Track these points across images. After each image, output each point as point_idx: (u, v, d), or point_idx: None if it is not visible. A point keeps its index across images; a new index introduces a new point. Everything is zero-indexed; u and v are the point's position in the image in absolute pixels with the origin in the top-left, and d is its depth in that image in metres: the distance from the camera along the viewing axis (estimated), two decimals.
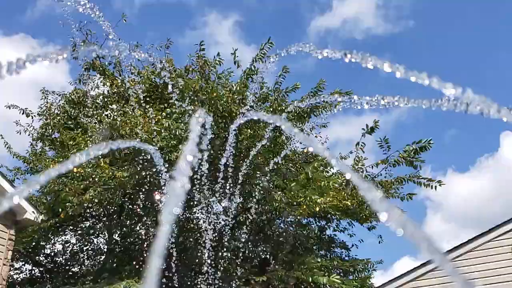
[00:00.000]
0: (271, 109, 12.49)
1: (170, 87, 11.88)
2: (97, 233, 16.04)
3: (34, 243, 14.90)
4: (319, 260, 13.87)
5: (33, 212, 10.71)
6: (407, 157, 12.22)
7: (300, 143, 14.25)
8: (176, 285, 8.77)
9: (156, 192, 11.51)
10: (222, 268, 9.66)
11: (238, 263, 11.93)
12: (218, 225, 12.39)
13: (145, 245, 12.81)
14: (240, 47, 28.57)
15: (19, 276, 16.26)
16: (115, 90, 13.85)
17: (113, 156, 12.03)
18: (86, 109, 13.76)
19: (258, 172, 12.14)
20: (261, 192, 11.77)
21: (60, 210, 12.40)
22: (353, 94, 12.94)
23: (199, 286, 9.52)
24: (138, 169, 10.89)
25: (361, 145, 12.63)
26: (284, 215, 13.75)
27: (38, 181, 1.63)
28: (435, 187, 12.18)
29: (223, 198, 13.80)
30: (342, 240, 16.11)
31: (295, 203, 12.08)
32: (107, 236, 15.48)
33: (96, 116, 13.55)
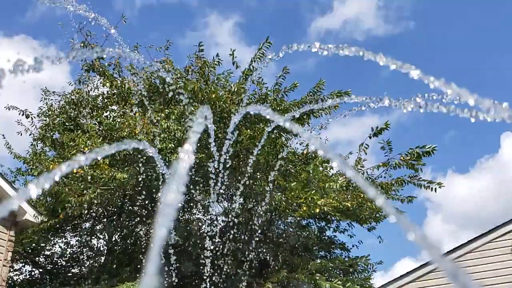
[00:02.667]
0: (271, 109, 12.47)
1: (176, 87, 11.85)
2: (97, 234, 16.01)
3: (34, 244, 14.87)
4: (318, 261, 13.83)
5: (33, 213, 10.70)
6: (408, 160, 12.21)
7: (301, 143, 14.27)
8: None
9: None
10: (223, 272, 9.64)
11: (238, 264, 11.92)
12: (218, 227, 12.37)
13: (143, 247, 12.81)
14: (241, 48, 28.63)
15: (19, 277, 16.23)
16: (114, 91, 13.84)
17: (113, 157, 12.01)
18: (86, 110, 13.74)
19: (258, 173, 12.13)
20: (262, 192, 11.76)
21: (59, 210, 12.38)
22: (352, 94, 12.97)
23: None
24: (138, 169, 10.87)
25: (365, 146, 12.60)
26: (283, 215, 13.73)
27: (44, 183, 1.63)
28: (435, 189, 12.17)
29: (223, 199, 13.80)
30: (342, 241, 16.08)
31: (295, 204, 12.06)
32: (107, 237, 15.45)
33: (95, 117, 13.53)
